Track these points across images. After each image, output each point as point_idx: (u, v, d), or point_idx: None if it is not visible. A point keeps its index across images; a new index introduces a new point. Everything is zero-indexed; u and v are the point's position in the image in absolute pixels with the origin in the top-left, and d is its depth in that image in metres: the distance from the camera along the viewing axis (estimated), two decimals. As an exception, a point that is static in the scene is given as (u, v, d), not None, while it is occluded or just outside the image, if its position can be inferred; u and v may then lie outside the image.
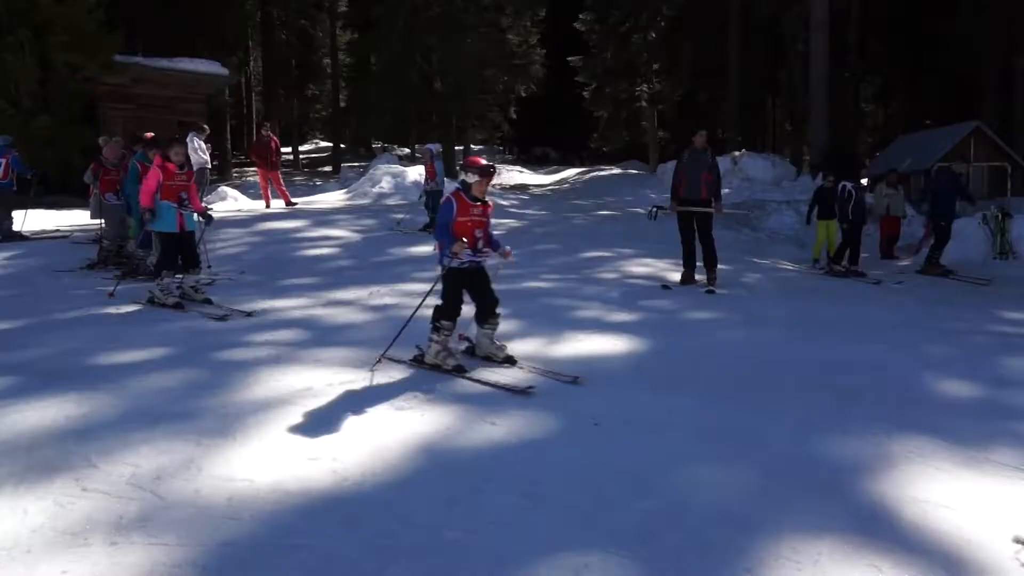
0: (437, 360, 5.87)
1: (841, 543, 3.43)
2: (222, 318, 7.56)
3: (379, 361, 5.95)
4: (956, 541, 3.49)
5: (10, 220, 12.82)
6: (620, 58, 36.83)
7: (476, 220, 5.92)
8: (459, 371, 5.76)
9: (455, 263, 5.86)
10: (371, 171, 22.93)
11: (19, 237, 12.72)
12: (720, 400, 5.39)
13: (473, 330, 6.25)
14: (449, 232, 5.86)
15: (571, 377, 5.71)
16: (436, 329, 5.92)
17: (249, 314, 7.67)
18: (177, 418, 4.82)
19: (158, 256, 8.34)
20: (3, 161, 12.58)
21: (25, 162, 13.12)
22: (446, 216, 5.92)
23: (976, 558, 3.37)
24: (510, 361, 6.05)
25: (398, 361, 6.00)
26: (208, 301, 8.18)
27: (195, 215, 8.31)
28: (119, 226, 10.55)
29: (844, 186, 12.65)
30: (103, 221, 10.72)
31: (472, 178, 5.92)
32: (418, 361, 5.98)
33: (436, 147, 15.37)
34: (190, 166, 8.71)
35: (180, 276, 8.17)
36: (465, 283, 6.03)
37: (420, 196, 15.98)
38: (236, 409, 5.01)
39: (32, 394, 5.23)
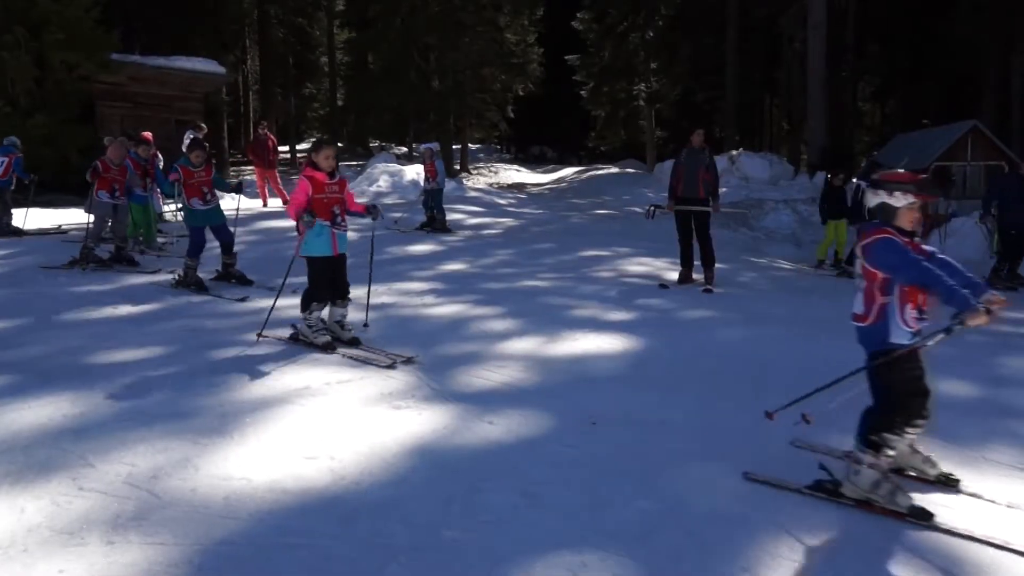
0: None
1: (838, 542, 3.43)
2: (389, 366, 6.01)
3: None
4: (953, 539, 3.49)
5: (9, 216, 12.99)
6: (618, 57, 36.85)
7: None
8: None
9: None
10: (369, 170, 22.92)
11: (17, 233, 12.86)
12: (717, 399, 5.39)
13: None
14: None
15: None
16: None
17: (409, 359, 6.19)
18: (174, 417, 4.82)
19: (307, 287, 6.61)
20: (6, 160, 12.81)
21: (26, 168, 13.26)
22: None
23: (973, 556, 3.37)
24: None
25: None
26: (356, 341, 6.59)
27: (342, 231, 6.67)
28: (101, 224, 10.37)
29: (859, 185, 12.03)
30: (91, 218, 10.54)
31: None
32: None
33: (435, 146, 15.37)
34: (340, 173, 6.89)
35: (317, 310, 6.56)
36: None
37: (420, 195, 15.97)
38: (233, 408, 5.01)
39: (29, 393, 5.22)
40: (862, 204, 11.58)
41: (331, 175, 6.54)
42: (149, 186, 11.72)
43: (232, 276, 9.31)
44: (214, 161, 9.62)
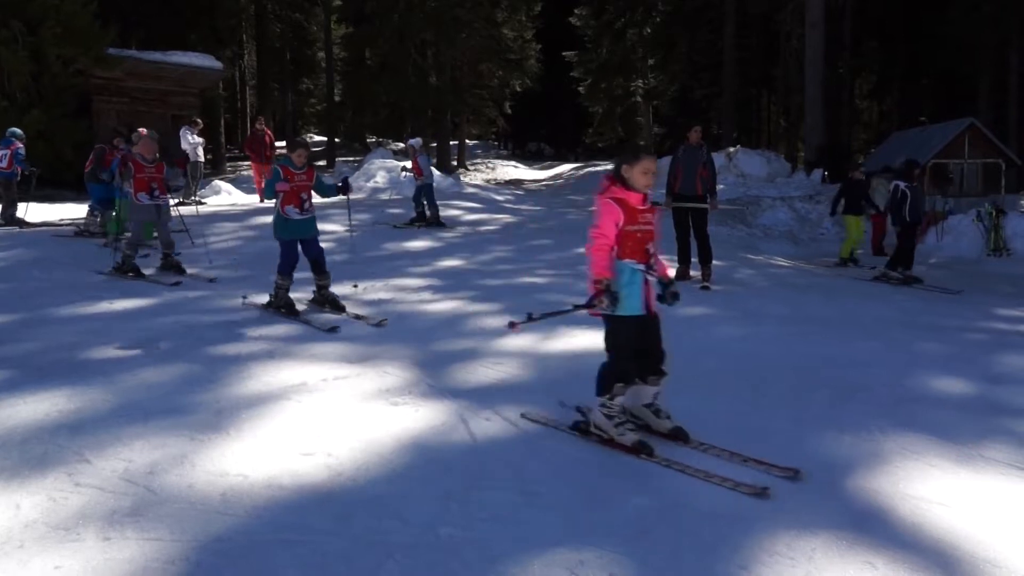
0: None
1: (835, 540, 3.43)
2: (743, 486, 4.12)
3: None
4: (950, 538, 3.50)
5: (14, 207, 13.37)
6: (615, 53, 36.91)
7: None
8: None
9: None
10: (366, 165, 22.91)
11: (21, 224, 13.25)
12: (714, 396, 5.39)
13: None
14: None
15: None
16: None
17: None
18: (170, 413, 4.81)
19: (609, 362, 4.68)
20: (7, 152, 13.07)
21: (26, 160, 13.52)
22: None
23: (970, 554, 3.37)
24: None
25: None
26: (681, 433, 4.61)
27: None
28: (141, 229, 9.65)
29: (897, 186, 11.60)
30: (128, 221, 10.12)
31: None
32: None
33: (417, 141, 15.34)
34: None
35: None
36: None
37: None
38: (230, 404, 5.00)
39: (25, 388, 5.22)
40: (901, 205, 11.48)
41: (643, 198, 6.20)
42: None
43: (326, 300, 7.85)
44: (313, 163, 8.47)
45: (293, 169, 7.51)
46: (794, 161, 30.58)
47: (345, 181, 7.96)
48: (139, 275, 9.27)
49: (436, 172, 23.14)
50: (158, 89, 22.46)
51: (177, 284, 8.96)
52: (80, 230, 12.36)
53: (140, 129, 13.78)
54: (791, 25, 31.83)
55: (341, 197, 8.31)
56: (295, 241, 7.66)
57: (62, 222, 14.01)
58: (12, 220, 13.24)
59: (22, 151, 13.31)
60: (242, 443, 4.38)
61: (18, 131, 13.60)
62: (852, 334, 7.35)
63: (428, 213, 14.42)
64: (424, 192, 14.50)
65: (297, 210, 7.56)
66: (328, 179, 9.42)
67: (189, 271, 9.45)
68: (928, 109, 32.53)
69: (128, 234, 9.85)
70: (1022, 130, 26.60)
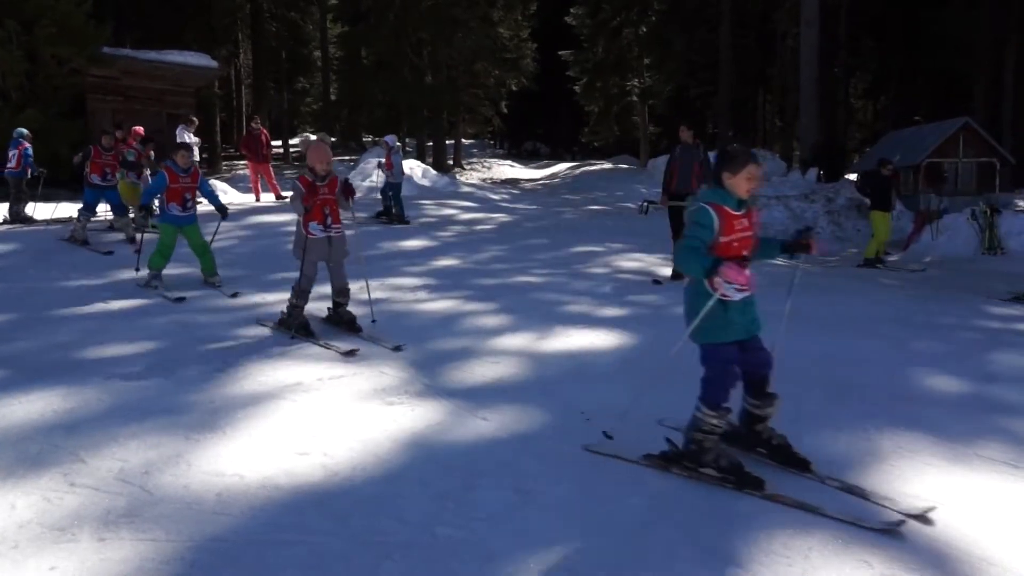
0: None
1: (831, 538, 3.44)
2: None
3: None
4: (945, 536, 3.50)
5: (21, 205, 13.60)
6: (611, 52, 36.90)
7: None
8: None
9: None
10: (361, 164, 22.88)
11: (30, 221, 13.55)
12: (711, 395, 5.39)
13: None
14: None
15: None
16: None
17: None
18: (166, 413, 4.80)
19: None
20: (16, 152, 13.31)
21: (32, 160, 13.67)
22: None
23: (965, 552, 3.38)
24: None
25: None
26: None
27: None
28: (313, 271, 8.53)
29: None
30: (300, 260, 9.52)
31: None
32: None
33: (392, 139, 15.39)
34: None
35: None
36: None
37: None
38: (225, 404, 4.99)
39: (20, 388, 5.21)
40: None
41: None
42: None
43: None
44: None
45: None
46: (789, 160, 30.63)
47: (347, 182, 6.94)
48: (308, 334, 6.69)
49: (433, 172, 23.20)
50: (153, 88, 22.38)
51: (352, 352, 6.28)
52: (72, 236, 11.60)
53: (135, 128, 13.84)
54: (787, 24, 31.86)
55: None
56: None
57: (71, 219, 14.08)
58: (19, 218, 13.49)
59: (30, 151, 13.56)
60: (238, 443, 4.38)
61: (25, 131, 13.81)
62: (847, 332, 7.36)
63: (393, 211, 14.49)
64: (392, 189, 14.67)
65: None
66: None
67: (178, 271, 9.42)
68: (923, 108, 32.63)
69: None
70: (1016, 129, 26.65)
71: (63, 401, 4.98)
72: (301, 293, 6.71)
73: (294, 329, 6.62)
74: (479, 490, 3.88)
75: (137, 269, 9.14)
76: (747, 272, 3.98)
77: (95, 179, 11.48)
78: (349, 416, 4.81)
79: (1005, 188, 21.73)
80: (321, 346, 6.43)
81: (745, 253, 4.22)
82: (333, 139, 36.83)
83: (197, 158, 16.47)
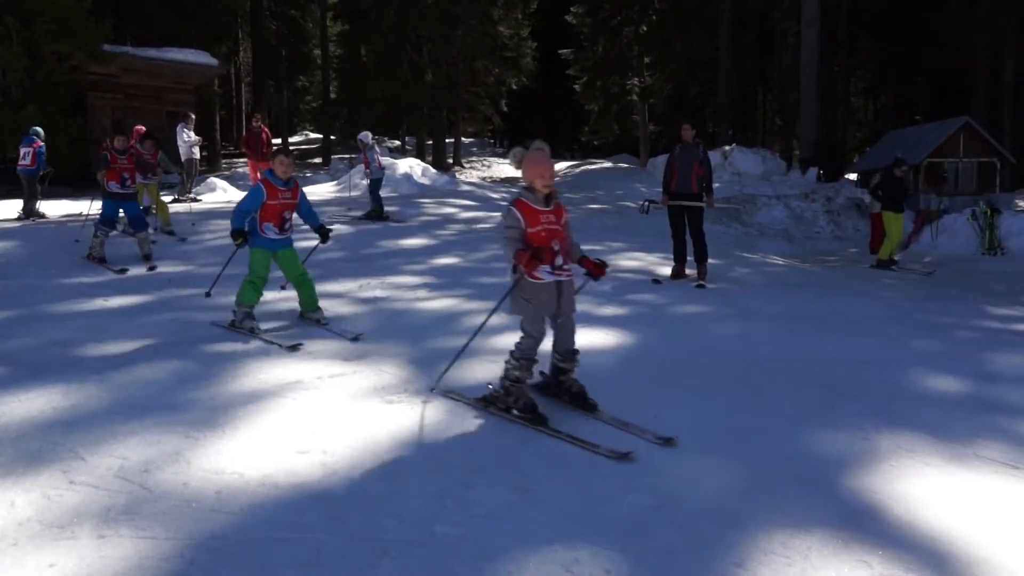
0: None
1: (831, 538, 3.44)
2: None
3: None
4: (945, 536, 3.50)
5: (34, 202, 13.90)
6: (611, 51, 36.90)
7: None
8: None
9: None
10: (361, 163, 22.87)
11: (41, 216, 13.86)
12: (710, 394, 5.40)
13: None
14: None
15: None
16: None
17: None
18: (165, 410, 4.80)
19: None
20: (30, 150, 13.72)
21: (44, 158, 14.10)
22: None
23: (964, 553, 3.38)
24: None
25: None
26: None
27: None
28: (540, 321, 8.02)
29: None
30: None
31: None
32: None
33: (366, 136, 15.42)
34: None
35: None
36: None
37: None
38: (225, 402, 4.99)
39: (19, 385, 5.20)
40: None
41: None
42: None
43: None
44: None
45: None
46: (789, 159, 30.65)
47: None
48: (539, 421, 4.67)
49: (433, 170, 23.17)
50: (153, 85, 22.41)
51: None
52: (90, 254, 10.26)
53: (137, 127, 13.85)
54: (787, 23, 31.89)
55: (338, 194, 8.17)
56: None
57: (82, 215, 14.18)
58: (32, 214, 13.75)
59: (43, 149, 13.92)
60: (237, 440, 4.37)
61: (40, 130, 14.14)
62: (846, 332, 7.36)
63: (373, 207, 14.63)
64: (371, 186, 14.78)
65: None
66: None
67: (176, 269, 9.42)
68: (923, 107, 32.64)
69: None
70: (1017, 129, 26.67)
71: (63, 398, 4.98)
72: (525, 363, 4.83)
73: (517, 410, 4.73)
74: (478, 488, 3.88)
75: (208, 294, 7.96)
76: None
77: (113, 187, 10.30)
78: (349, 414, 4.81)
79: (1005, 188, 21.76)
80: (551, 433, 4.61)
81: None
82: (332, 137, 36.83)
83: (197, 156, 16.54)
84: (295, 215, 7.10)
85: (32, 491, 3.73)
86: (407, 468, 4.10)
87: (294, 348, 6.17)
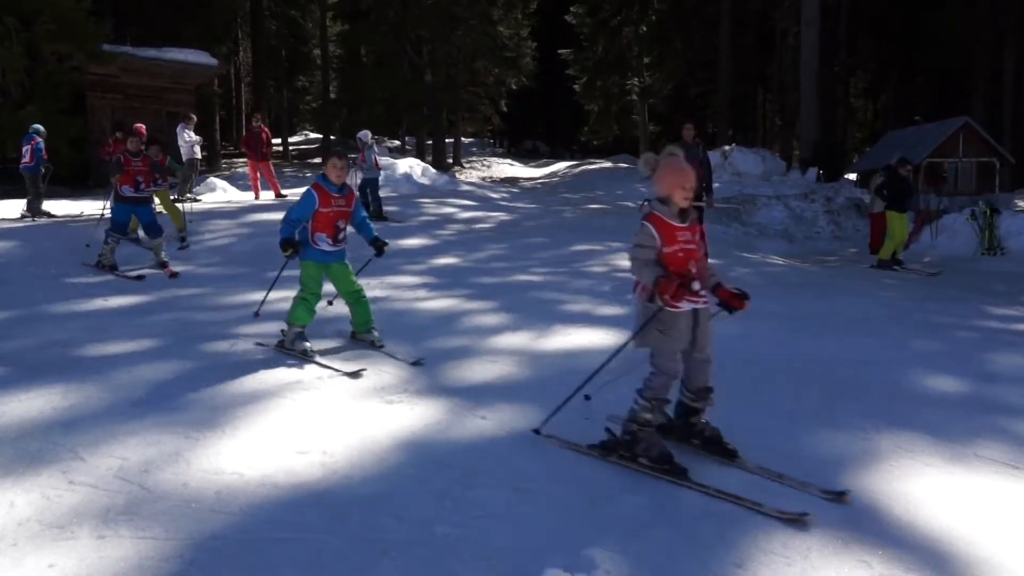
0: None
1: (831, 538, 3.43)
2: None
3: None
4: (945, 536, 3.50)
5: (39, 200, 13.92)
6: (611, 52, 36.93)
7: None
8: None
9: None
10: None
11: (47, 215, 13.86)
12: (710, 394, 5.39)
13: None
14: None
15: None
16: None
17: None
18: (165, 410, 4.80)
19: None
20: (29, 147, 13.69)
21: (43, 156, 14.02)
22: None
23: (964, 553, 3.38)
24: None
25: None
26: None
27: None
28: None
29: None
30: None
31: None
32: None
33: (366, 135, 15.41)
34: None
35: None
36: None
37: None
38: (225, 402, 4.99)
39: (19, 385, 5.20)
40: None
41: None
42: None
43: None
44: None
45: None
46: (789, 159, 30.64)
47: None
48: (677, 472, 4.07)
49: (432, 170, 23.18)
50: (153, 85, 22.40)
51: None
52: (99, 262, 9.89)
53: (137, 126, 13.84)
54: (787, 23, 31.89)
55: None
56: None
57: (83, 214, 14.24)
58: (37, 213, 13.75)
59: (42, 146, 13.86)
60: (237, 441, 4.37)
61: (40, 128, 14.12)
62: (846, 332, 7.36)
63: (371, 206, 14.52)
64: (368, 185, 14.71)
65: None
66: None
67: (176, 269, 9.42)
68: (922, 108, 32.63)
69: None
70: (1016, 129, 26.68)
71: (62, 398, 4.98)
72: (657, 404, 4.20)
73: (649, 460, 4.10)
74: (478, 489, 3.88)
75: (256, 314, 7.07)
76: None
77: (126, 191, 9.75)
78: (348, 415, 4.81)
79: (1005, 188, 21.75)
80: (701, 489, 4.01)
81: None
82: (332, 137, 36.84)
83: (198, 156, 16.52)
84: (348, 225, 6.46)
85: (32, 491, 3.73)
86: (407, 468, 4.09)
87: (355, 375, 5.57)
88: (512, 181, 30.56)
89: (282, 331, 6.25)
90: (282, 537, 3.38)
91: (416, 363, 5.87)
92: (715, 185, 10.64)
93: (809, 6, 25.54)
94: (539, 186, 29.36)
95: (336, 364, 5.84)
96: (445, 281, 9.27)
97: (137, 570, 3.11)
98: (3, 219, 13.25)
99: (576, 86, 39.07)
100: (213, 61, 24.20)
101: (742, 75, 35.12)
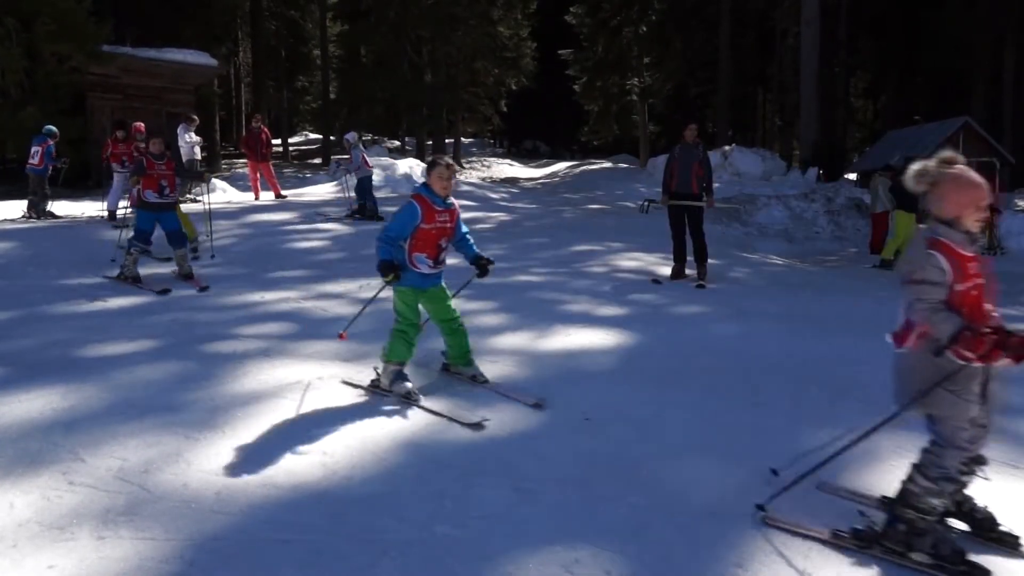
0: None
1: (831, 538, 3.43)
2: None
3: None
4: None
5: (45, 201, 13.90)
6: (611, 52, 36.89)
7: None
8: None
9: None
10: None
11: (52, 216, 13.85)
12: (710, 395, 5.39)
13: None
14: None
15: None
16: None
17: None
18: (165, 411, 4.80)
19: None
20: (39, 149, 13.64)
21: (55, 155, 14.09)
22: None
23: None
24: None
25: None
26: None
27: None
28: None
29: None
30: None
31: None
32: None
33: (352, 136, 15.46)
34: None
35: None
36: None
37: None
38: (225, 402, 4.99)
39: (19, 386, 5.19)
40: None
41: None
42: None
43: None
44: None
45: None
46: (789, 159, 30.65)
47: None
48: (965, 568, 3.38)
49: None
50: (153, 86, 22.38)
51: None
52: (121, 274, 9.11)
53: (136, 124, 13.83)
54: (787, 23, 31.89)
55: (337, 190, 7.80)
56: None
57: (84, 214, 14.27)
58: (42, 214, 13.74)
59: (52, 149, 13.83)
60: (237, 441, 4.37)
61: (53, 129, 14.06)
62: (846, 332, 7.36)
63: (367, 206, 14.55)
64: (362, 185, 14.70)
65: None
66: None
67: (174, 269, 9.38)
68: (922, 107, 32.65)
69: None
70: (1016, 129, 26.68)
71: (62, 399, 4.97)
72: (948, 486, 3.41)
73: (934, 559, 3.30)
74: (478, 489, 3.88)
75: (342, 335, 5.99)
76: None
77: (150, 196, 8.91)
78: (348, 415, 4.81)
79: (1004, 188, 21.74)
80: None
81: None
82: (332, 138, 36.86)
83: (199, 156, 16.50)
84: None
85: (31, 492, 3.73)
86: (406, 469, 4.09)
87: (477, 426, 4.68)
88: (512, 181, 30.55)
89: (375, 369, 5.42)
90: (282, 537, 3.38)
91: (536, 405, 5.04)
92: (715, 185, 10.62)
93: (809, 6, 25.54)
94: (539, 186, 29.36)
95: (456, 414, 4.86)
96: (445, 281, 9.24)
97: (137, 571, 3.11)
98: (4, 219, 13.26)
99: (576, 86, 39.03)
100: (213, 61, 24.19)
101: (742, 75, 35.12)
